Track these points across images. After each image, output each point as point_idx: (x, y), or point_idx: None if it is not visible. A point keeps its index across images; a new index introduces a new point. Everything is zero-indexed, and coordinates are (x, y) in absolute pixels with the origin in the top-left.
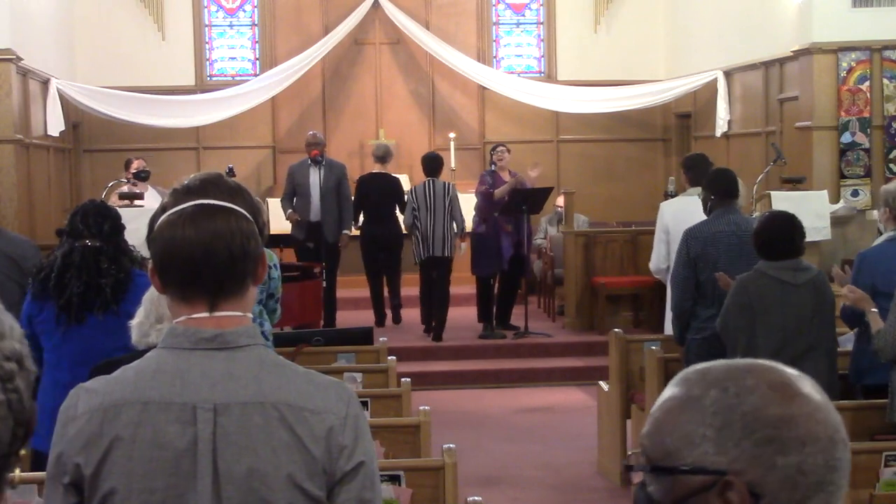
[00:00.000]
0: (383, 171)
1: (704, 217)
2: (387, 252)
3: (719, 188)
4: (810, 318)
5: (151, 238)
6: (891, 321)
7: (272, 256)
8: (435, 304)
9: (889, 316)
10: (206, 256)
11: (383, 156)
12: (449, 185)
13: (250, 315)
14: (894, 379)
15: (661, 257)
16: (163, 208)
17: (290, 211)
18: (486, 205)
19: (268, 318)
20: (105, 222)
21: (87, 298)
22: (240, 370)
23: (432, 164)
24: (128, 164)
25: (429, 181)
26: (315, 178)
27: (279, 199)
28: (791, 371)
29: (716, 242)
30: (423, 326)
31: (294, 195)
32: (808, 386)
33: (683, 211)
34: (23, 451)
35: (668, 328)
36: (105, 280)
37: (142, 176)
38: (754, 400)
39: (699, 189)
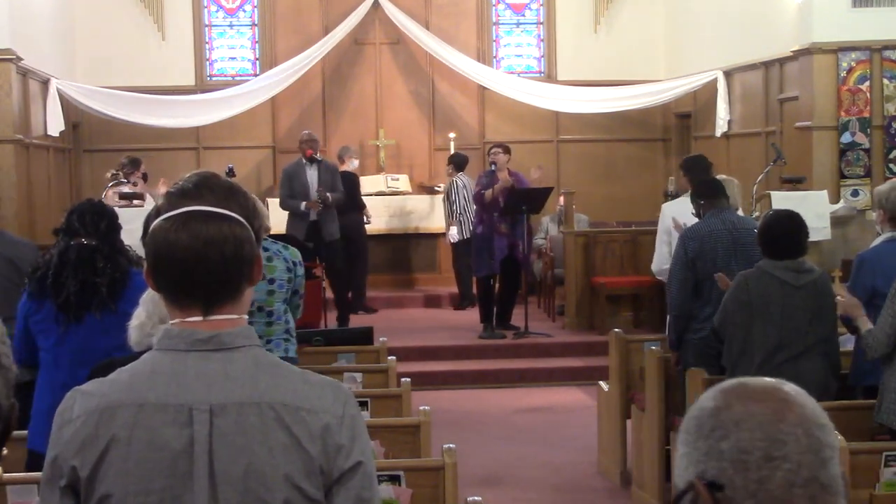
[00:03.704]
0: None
1: None
2: (353, 242)
3: (706, 191)
4: (809, 319)
5: (146, 242)
6: (882, 320)
7: (296, 254)
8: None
9: (882, 314)
10: (198, 263)
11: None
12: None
13: (245, 316)
14: (885, 378)
15: (664, 258)
16: (157, 211)
17: (304, 203)
18: (480, 206)
19: (292, 314)
20: (101, 221)
21: (83, 297)
22: (236, 371)
23: (464, 161)
24: (137, 164)
25: (463, 175)
26: (312, 177)
27: (278, 201)
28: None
29: (712, 241)
30: (421, 322)
31: (294, 197)
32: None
33: (685, 212)
34: (4, 451)
35: None
36: (101, 279)
37: (145, 178)
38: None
39: None
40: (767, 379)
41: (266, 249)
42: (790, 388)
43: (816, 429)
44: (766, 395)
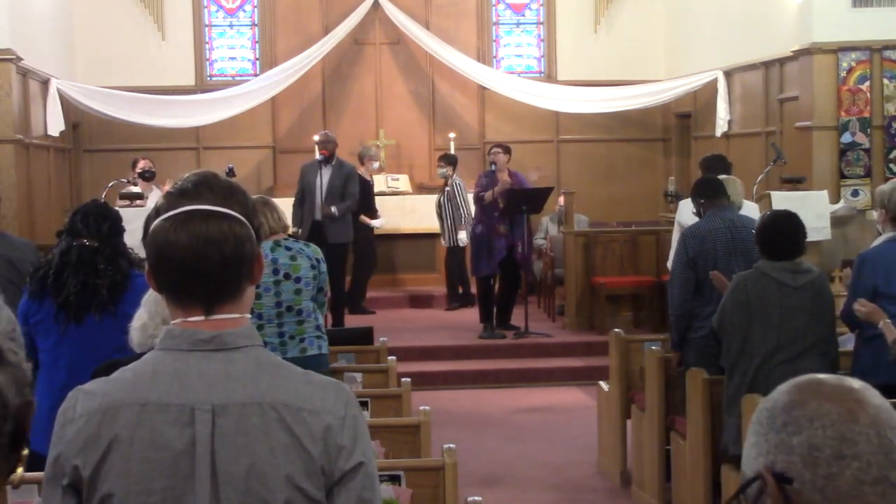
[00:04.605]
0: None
1: None
2: (356, 245)
3: (706, 191)
4: (807, 320)
5: (146, 242)
6: None
7: (318, 251)
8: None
9: None
10: (198, 263)
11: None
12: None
13: (248, 315)
14: None
15: None
16: (157, 211)
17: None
18: (479, 207)
19: (318, 311)
20: (105, 223)
21: (84, 298)
22: (238, 371)
23: (457, 161)
24: (134, 164)
25: (457, 175)
26: (323, 178)
27: (292, 200)
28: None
29: (712, 240)
30: (421, 322)
31: (304, 196)
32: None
33: None
34: (25, 451)
35: None
36: (101, 281)
37: (146, 176)
38: (776, 397)
39: None
40: (843, 378)
41: (289, 248)
42: (866, 389)
43: (889, 431)
44: (841, 395)
